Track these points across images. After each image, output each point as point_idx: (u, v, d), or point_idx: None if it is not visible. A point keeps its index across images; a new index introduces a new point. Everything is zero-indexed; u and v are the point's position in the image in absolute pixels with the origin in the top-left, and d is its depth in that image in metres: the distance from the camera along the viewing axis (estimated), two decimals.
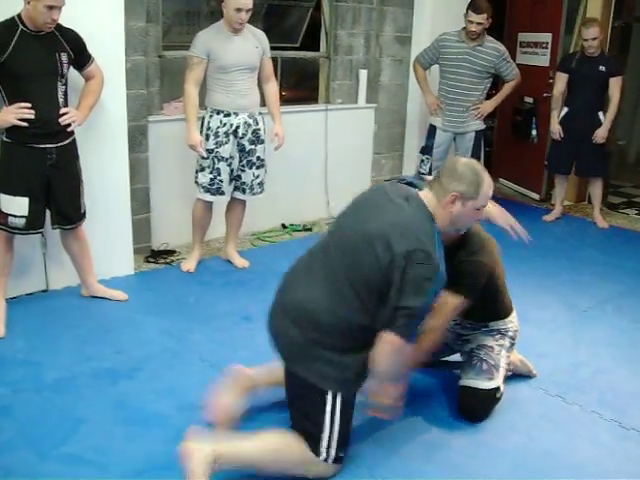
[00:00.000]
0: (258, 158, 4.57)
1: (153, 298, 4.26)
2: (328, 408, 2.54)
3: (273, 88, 4.63)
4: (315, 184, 5.79)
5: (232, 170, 4.50)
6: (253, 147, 4.52)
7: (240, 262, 4.73)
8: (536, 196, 6.99)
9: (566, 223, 6.23)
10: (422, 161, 5.63)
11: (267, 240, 5.33)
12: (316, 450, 2.55)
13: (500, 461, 2.81)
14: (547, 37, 6.65)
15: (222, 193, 4.51)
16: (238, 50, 4.33)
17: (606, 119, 5.89)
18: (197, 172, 4.48)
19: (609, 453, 2.92)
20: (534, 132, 6.82)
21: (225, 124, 4.40)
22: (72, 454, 2.70)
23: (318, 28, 5.88)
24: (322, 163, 5.78)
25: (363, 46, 5.98)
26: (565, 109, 6.01)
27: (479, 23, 5.21)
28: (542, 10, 6.71)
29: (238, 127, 4.43)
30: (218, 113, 4.40)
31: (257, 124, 4.51)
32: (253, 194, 4.63)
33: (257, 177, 4.60)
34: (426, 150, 5.63)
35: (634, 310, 4.36)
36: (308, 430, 2.56)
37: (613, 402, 3.31)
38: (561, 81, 5.98)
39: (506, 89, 5.63)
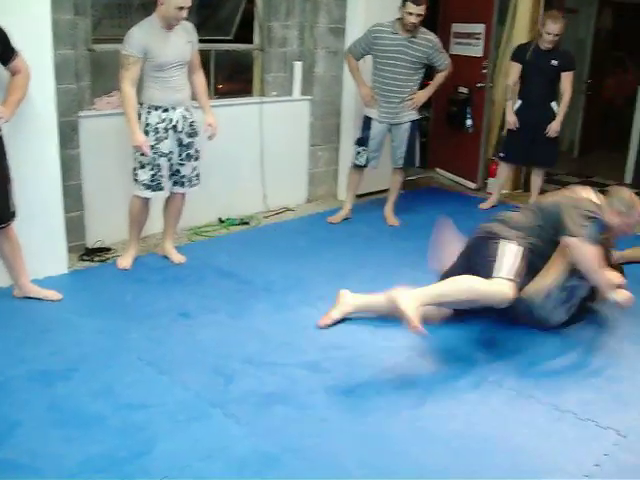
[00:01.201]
0: (196, 150, 4.55)
1: (88, 297, 4.18)
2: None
3: (201, 79, 4.60)
4: (251, 177, 5.76)
5: (171, 165, 4.46)
6: (191, 140, 4.50)
7: (177, 258, 4.68)
8: (472, 185, 7.08)
9: (502, 210, 6.29)
10: (358, 153, 5.61)
11: (204, 235, 5.28)
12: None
13: (440, 448, 2.83)
14: (480, 28, 6.73)
15: (162, 189, 4.47)
16: (173, 47, 4.28)
17: (559, 113, 6.00)
18: (136, 169, 4.40)
19: (546, 436, 2.97)
20: (469, 122, 6.90)
21: (164, 119, 4.35)
22: (6, 459, 2.63)
23: (252, 20, 5.83)
24: (258, 156, 5.75)
25: (297, 38, 5.95)
26: (519, 101, 6.08)
27: (418, 14, 5.19)
28: (475, 1, 6.78)
29: (177, 121, 4.39)
30: (156, 109, 4.34)
31: (192, 116, 4.48)
32: (192, 186, 4.61)
33: (194, 169, 4.57)
34: (362, 141, 5.61)
35: None
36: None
37: (549, 386, 3.37)
38: (515, 71, 6.04)
39: (439, 79, 5.64)
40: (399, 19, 5.32)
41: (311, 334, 3.73)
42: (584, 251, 3.68)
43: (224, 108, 5.33)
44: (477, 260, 3.80)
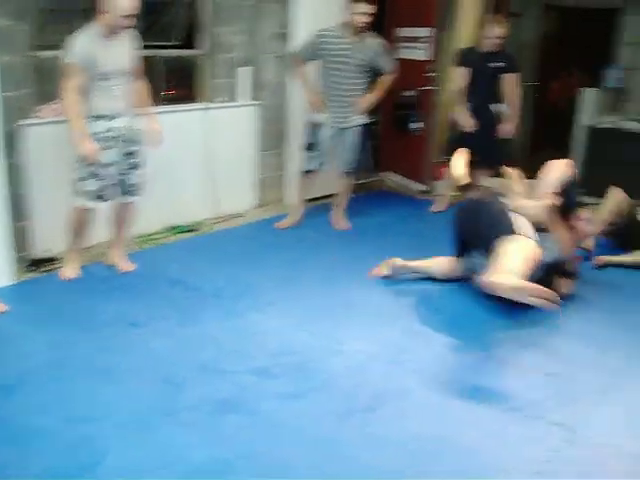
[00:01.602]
0: (141, 159, 4.48)
1: (35, 309, 4.10)
2: None
3: (143, 86, 4.54)
4: (200, 184, 5.72)
5: (117, 174, 4.40)
6: (135, 148, 4.44)
7: (126, 266, 4.62)
8: (421, 187, 7.13)
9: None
10: (308, 158, 5.61)
11: (153, 242, 5.23)
12: None
13: (391, 451, 2.86)
14: (426, 32, 6.78)
15: (107, 199, 4.40)
16: (118, 55, 4.24)
17: (511, 114, 6.11)
18: (80, 180, 4.32)
19: (497, 435, 3.03)
20: (415, 125, 6.95)
21: (109, 129, 4.29)
22: None
23: (198, 26, 5.79)
24: (206, 163, 5.71)
25: (244, 43, 5.93)
26: (467, 104, 6.13)
27: (368, 14, 5.20)
28: (420, 5, 6.84)
29: (121, 130, 4.33)
30: (101, 118, 4.27)
31: (136, 125, 4.43)
32: (138, 195, 4.55)
33: (140, 177, 4.51)
34: (311, 147, 5.60)
35: None
36: None
37: (498, 386, 3.43)
38: (461, 76, 6.10)
39: (385, 82, 5.64)
40: (345, 23, 5.33)
41: (261, 340, 3.73)
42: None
43: (171, 115, 5.29)
44: (491, 218, 4.27)
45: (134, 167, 4.47)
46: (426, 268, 4.64)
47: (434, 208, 6.41)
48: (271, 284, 4.46)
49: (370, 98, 5.61)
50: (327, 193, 6.32)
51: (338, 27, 5.38)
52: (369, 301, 4.26)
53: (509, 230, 4.14)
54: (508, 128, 6.13)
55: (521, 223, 4.24)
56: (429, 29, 6.74)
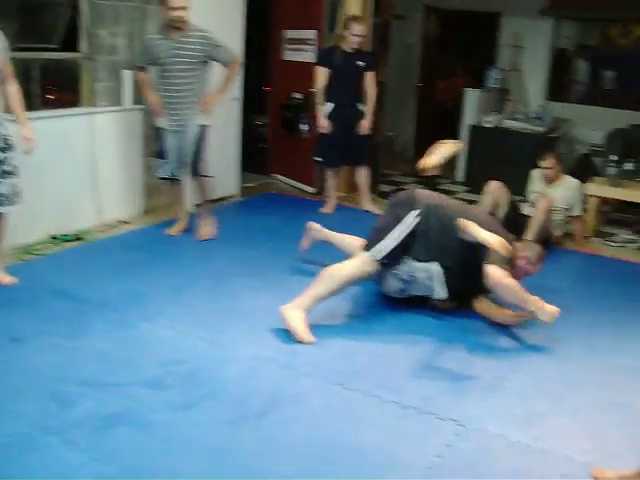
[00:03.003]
0: (12, 166, 4.26)
1: None
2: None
3: (14, 90, 4.29)
4: (84, 191, 5.53)
5: None
6: (5, 155, 4.21)
7: (6, 279, 4.41)
8: (310, 189, 7.17)
9: (340, 213, 6.43)
10: (159, 165, 5.38)
11: (35, 253, 5.00)
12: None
13: (287, 455, 2.84)
14: (312, 34, 6.83)
15: None
16: None
17: (367, 111, 6.23)
18: None
19: (390, 433, 3.06)
20: (304, 127, 6.98)
21: None
22: None
23: (78, 27, 5.60)
24: (90, 168, 5.53)
25: (126, 46, 5.79)
26: (331, 104, 6.20)
27: (182, 7, 4.95)
28: (306, 8, 6.88)
29: None
30: None
31: (6, 130, 4.22)
32: (12, 204, 4.31)
33: (11, 187, 4.28)
34: (160, 154, 5.35)
35: None
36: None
37: (391, 384, 3.47)
38: (323, 75, 6.15)
39: (228, 76, 5.34)
40: (166, 22, 5.10)
41: (151, 350, 3.63)
42: None
43: (51, 120, 5.11)
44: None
45: (4, 176, 4.22)
46: (340, 241, 4.70)
47: (324, 209, 6.44)
48: (160, 292, 4.36)
49: (216, 96, 5.34)
50: (222, 195, 6.27)
51: (161, 29, 5.19)
52: (259, 306, 4.23)
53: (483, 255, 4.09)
54: (365, 124, 6.24)
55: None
56: (315, 31, 6.79)
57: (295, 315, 3.83)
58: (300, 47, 6.99)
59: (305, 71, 6.80)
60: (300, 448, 2.90)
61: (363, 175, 6.49)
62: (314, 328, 3.88)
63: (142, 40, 5.27)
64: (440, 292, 4.16)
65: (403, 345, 3.92)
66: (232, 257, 5.10)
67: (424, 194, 4.28)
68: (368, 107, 6.25)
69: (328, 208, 6.47)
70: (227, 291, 4.45)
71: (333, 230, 4.91)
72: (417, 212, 4.11)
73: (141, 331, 3.85)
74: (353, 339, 3.93)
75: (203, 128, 5.32)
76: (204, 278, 4.64)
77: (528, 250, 4.33)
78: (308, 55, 6.88)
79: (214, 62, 5.27)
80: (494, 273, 4.00)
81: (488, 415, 3.25)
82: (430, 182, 4.49)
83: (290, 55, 7.07)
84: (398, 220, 4.13)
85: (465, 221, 3.98)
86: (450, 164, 7.51)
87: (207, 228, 5.46)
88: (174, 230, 5.56)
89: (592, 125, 8.11)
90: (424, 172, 4.40)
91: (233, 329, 3.92)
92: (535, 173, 5.98)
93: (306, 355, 3.69)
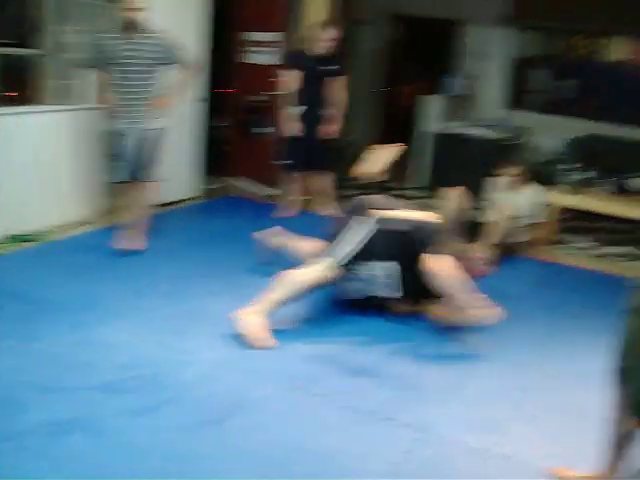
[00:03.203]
0: None
1: None
2: None
3: None
4: (41, 190, 5.42)
5: None
6: None
7: None
8: (271, 192, 7.12)
9: (300, 218, 6.39)
10: (114, 168, 5.17)
11: None
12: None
13: (249, 461, 2.81)
14: (273, 36, 6.81)
15: None
16: None
17: (336, 116, 6.21)
18: None
19: (352, 438, 3.05)
20: (265, 129, 6.95)
21: None
22: None
23: (37, 24, 5.50)
24: (50, 168, 5.43)
25: (88, 44, 5.68)
26: (299, 108, 6.17)
27: (137, 9, 4.84)
28: (268, 10, 6.85)
29: None
30: None
31: None
32: None
33: None
34: (116, 157, 5.13)
35: None
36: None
37: (350, 389, 3.46)
38: (293, 78, 6.11)
39: (184, 77, 5.20)
40: (122, 21, 4.95)
41: (108, 354, 3.56)
42: None
43: (10, 117, 5.02)
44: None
45: None
46: (295, 246, 4.68)
47: (281, 213, 6.41)
48: (119, 295, 4.29)
49: (170, 98, 5.16)
50: (183, 197, 6.22)
51: (114, 27, 5.02)
52: (219, 309, 4.17)
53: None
54: (333, 129, 6.23)
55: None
56: (276, 34, 6.77)
57: (252, 320, 3.81)
58: (262, 49, 6.96)
59: (267, 73, 6.78)
60: (261, 454, 2.87)
61: (325, 179, 6.47)
62: (273, 333, 3.85)
63: (92, 38, 5.09)
64: (398, 291, 4.18)
65: (361, 350, 3.92)
66: (192, 260, 5.03)
67: (378, 199, 4.35)
68: (337, 112, 6.22)
69: (288, 211, 6.44)
70: (186, 294, 4.39)
71: (292, 234, 4.88)
72: (375, 218, 4.14)
73: (98, 334, 3.76)
74: (312, 344, 3.91)
75: (158, 131, 5.17)
76: (163, 282, 4.58)
77: (483, 251, 4.40)
78: (268, 58, 6.86)
79: (172, 65, 5.13)
80: (436, 261, 4.03)
81: (447, 421, 3.26)
82: (381, 188, 4.47)
83: (252, 57, 7.04)
84: (357, 225, 4.15)
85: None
86: (404, 169, 7.58)
87: (140, 238, 5.14)
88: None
89: (552, 134, 8.20)
90: (363, 178, 4.42)
91: (193, 333, 3.87)
92: (500, 180, 6.02)
93: (266, 360, 3.66)
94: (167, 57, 5.05)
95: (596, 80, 8.58)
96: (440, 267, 4.01)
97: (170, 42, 5.06)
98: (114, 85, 5.02)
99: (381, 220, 4.17)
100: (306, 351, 3.82)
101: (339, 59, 6.30)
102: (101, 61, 5.00)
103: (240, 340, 3.80)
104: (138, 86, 5.00)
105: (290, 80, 6.13)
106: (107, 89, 5.10)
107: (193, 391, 3.29)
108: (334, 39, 6.02)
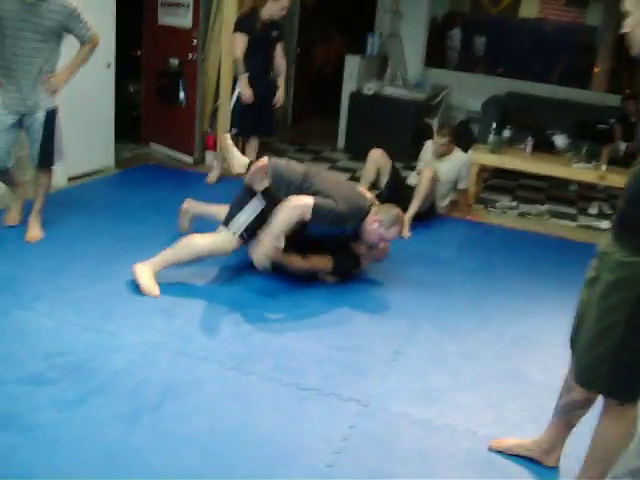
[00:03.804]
0: None
1: None
2: None
3: None
4: None
5: None
6: None
7: None
8: (190, 159, 6.91)
9: (223, 184, 6.20)
10: None
11: None
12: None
13: (185, 450, 2.69)
14: None
15: None
16: None
17: (281, 82, 6.13)
18: None
19: (292, 417, 2.97)
20: (182, 95, 6.70)
21: None
22: None
23: None
24: None
25: None
26: (245, 73, 5.94)
27: None
28: None
29: None
30: None
31: None
32: None
33: None
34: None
35: None
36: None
37: (288, 365, 3.36)
38: (242, 43, 5.88)
39: (82, 53, 4.54)
40: None
41: (30, 342, 3.33)
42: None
43: None
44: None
45: None
46: (216, 213, 4.53)
47: (209, 179, 6.24)
48: (35, 276, 4.02)
49: (63, 76, 4.49)
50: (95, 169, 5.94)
51: None
52: None
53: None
54: (281, 96, 6.16)
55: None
56: None
57: (144, 271, 3.97)
58: (176, 11, 6.67)
59: (182, 37, 6.52)
60: (200, 440, 2.75)
61: (254, 145, 6.30)
62: (202, 308, 3.73)
63: None
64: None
65: (297, 324, 3.84)
66: (113, 235, 4.76)
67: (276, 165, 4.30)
68: (282, 78, 6.14)
69: (213, 177, 6.27)
70: (109, 273, 4.17)
71: (215, 202, 4.73)
72: (268, 183, 4.12)
73: (17, 320, 3.52)
74: (246, 320, 3.79)
75: (51, 112, 4.49)
76: (84, 260, 4.32)
77: (382, 214, 4.24)
78: (184, 21, 6.58)
79: (70, 36, 4.48)
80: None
81: (389, 393, 3.22)
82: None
83: (165, 20, 6.74)
84: (252, 195, 4.10)
85: None
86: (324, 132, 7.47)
87: (36, 229, 4.63)
88: (11, 219, 4.80)
89: (470, 92, 8.23)
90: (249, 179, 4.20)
91: (119, 314, 3.68)
92: (429, 144, 5.97)
93: (199, 339, 3.53)
94: (71, 30, 4.42)
95: (505, 37, 8.66)
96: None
97: (77, 14, 4.39)
98: (1, 52, 4.32)
99: (266, 192, 4.09)
100: (239, 328, 3.70)
101: (281, 25, 6.16)
102: None
103: (171, 319, 3.65)
104: (29, 56, 4.31)
105: (241, 44, 5.89)
106: None
107: (125, 377, 3.12)
108: (288, 6, 5.86)
